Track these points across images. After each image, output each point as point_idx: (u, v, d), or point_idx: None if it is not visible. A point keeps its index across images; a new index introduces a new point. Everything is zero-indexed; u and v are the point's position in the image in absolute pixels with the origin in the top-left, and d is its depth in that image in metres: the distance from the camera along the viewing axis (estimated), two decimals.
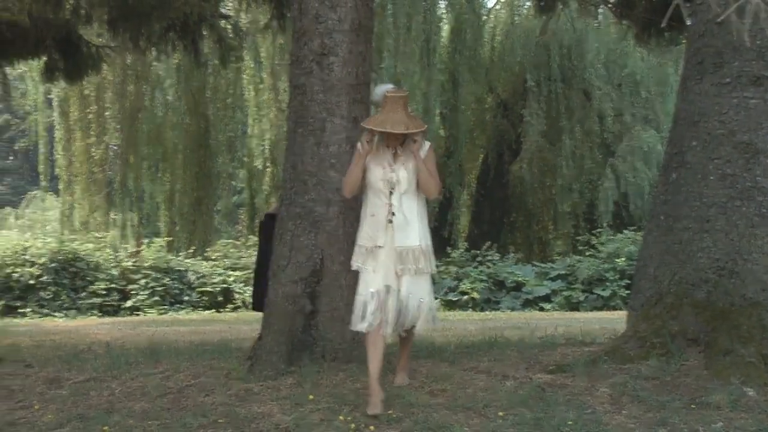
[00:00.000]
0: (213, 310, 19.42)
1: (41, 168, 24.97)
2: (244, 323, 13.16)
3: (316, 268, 6.82)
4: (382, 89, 5.84)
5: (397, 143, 5.74)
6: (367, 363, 5.64)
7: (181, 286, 20.05)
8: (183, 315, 18.17)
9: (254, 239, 22.29)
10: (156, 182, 23.50)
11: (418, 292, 5.69)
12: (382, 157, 5.76)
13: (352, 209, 6.83)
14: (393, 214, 5.66)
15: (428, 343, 8.00)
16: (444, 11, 23.41)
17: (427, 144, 5.86)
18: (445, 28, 23.30)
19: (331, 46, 6.97)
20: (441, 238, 22.18)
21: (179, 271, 20.35)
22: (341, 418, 5.40)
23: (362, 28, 7.13)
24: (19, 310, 18.34)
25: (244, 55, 19.32)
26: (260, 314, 7.39)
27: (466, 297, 18.92)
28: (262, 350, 6.87)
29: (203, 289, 20.11)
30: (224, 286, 20.38)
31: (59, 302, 18.78)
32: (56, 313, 18.29)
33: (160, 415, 5.68)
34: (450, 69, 22.54)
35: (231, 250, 22.83)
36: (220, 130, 22.96)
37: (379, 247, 5.64)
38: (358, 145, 5.84)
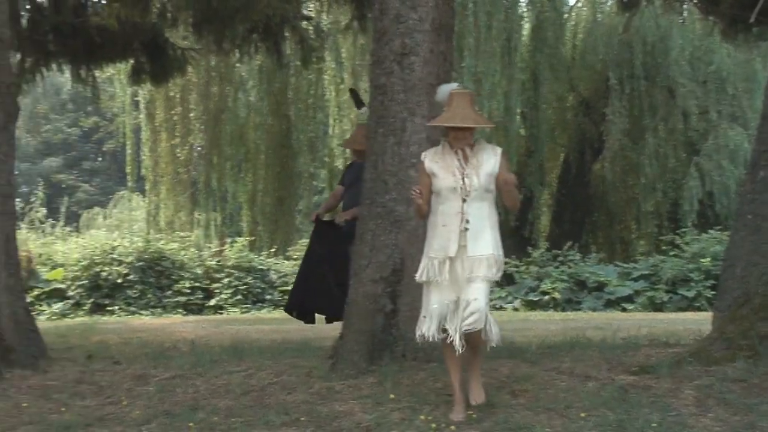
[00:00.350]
0: None
1: (128, 169, 25.45)
2: (324, 322, 13.23)
3: (396, 268, 6.84)
4: (446, 88, 5.69)
5: (464, 144, 5.47)
6: (448, 370, 5.56)
7: (263, 285, 20.26)
8: (265, 314, 18.36)
9: None
10: (239, 182, 23.77)
11: (480, 295, 5.32)
12: (450, 162, 5.47)
13: None
14: (467, 221, 5.37)
15: (509, 343, 7.96)
16: (525, 9, 23.23)
17: (498, 150, 5.61)
18: (526, 26, 23.12)
19: (412, 45, 6.98)
20: (521, 238, 22.03)
21: (261, 270, 20.56)
22: (422, 417, 5.41)
23: (443, 27, 7.13)
24: (108, 308, 18.73)
25: (326, 55, 19.46)
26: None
27: (547, 297, 18.74)
28: (344, 349, 6.91)
29: (285, 288, 20.27)
30: None
31: (145, 300, 19.13)
32: (142, 311, 18.64)
33: (243, 412, 5.76)
34: (531, 67, 22.36)
35: None
36: (302, 131, 23.11)
37: (451, 257, 5.36)
38: (414, 194, 5.46)
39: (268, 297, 20.05)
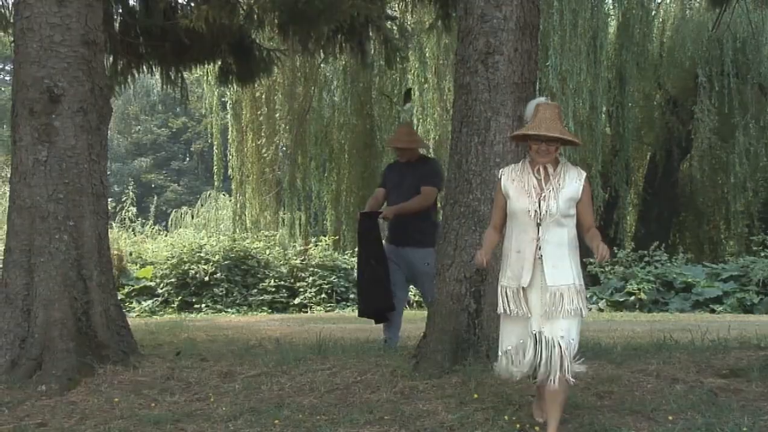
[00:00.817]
0: None
1: (215, 168, 25.87)
2: (408, 321, 13.24)
3: (479, 268, 6.83)
4: (533, 102, 5.26)
5: (547, 160, 4.97)
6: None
7: (346, 284, 20.36)
8: (349, 312, 18.45)
9: None
10: (323, 182, 23.94)
11: (567, 333, 4.87)
12: (527, 181, 5.01)
13: None
14: (542, 249, 4.90)
15: (594, 344, 7.88)
16: (611, 7, 22.97)
17: (583, 175, 5.10)
18: (613, 24, 22.86)
19: (497, 44, 6.96)
20: (607, 238, 21.78)
21: (345, 269, 20.66)
22: (506, 417, 5.40)
23: (528, 26, 7.09)
24: (195, 306, 19.05)
25: (410, 55, 19.48)
26: (425, 313, 7.46)
27: (632, 298, 18.48)
28: (427, 348, 6.93)
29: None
30: None
31: (231, 298, 19.40)
32: (229, 309, 18.91)
33: (327, 410, 5.82)
34: (617, 66, 22.09)
35: None
36: (385, 130, 23.18)
37: (525, 288, 4.92)
38: (478, 259, 5.12)
39: (352, 296, 20.13)
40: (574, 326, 4.93)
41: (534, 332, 4.92)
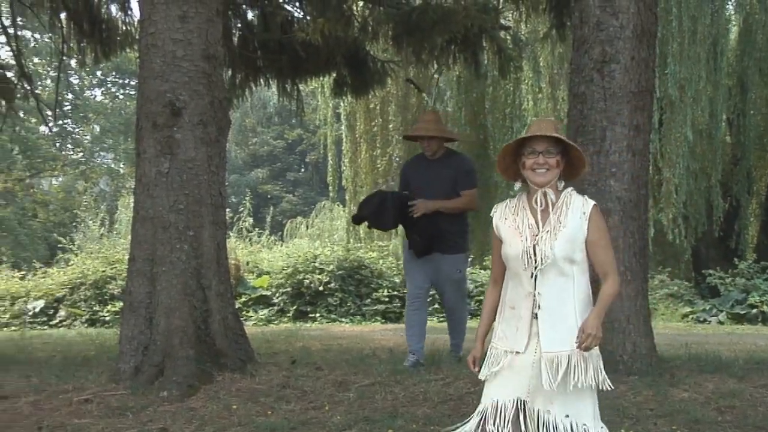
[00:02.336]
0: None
1: (329, 179, 26.14)
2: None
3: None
4: None
5: (546, 180, 3.88)
6: None
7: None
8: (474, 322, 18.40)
9: None
10: None
11: (577, 415, 3.88)
12: (522, 219, 3.94)
13: (633, 218, 6.70)
14: (538, 306, 3.83)
15: (714, 357, 7.69)
16: (732, 12, 22.38)
17: (590, 204, 3.94)
18: (734, 30, 22.26)
19: (613, 53, 6.88)
20: (727, 249, 21.21)
21: None
22: (622, 431, 5.31)
23: (645, 33, 6.99)
24: (310, 315, 19.26)
25: (523, 65, 19.37)
26: None
27: (755, 310, 17.93)
28: None
29: (480, 297, 20.28)
30: None
31: (345, 308, 19.54)
32: (343, 319, 19.06)
33: (441, 420, 5.81)
34: (738, 72, 21.49)
35: None
36: (499, 140, 23.04)
37: (519, 353, 3.86)
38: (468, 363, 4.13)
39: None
40: (587, 406, 3.92)
41: (515, 400, 3.87)
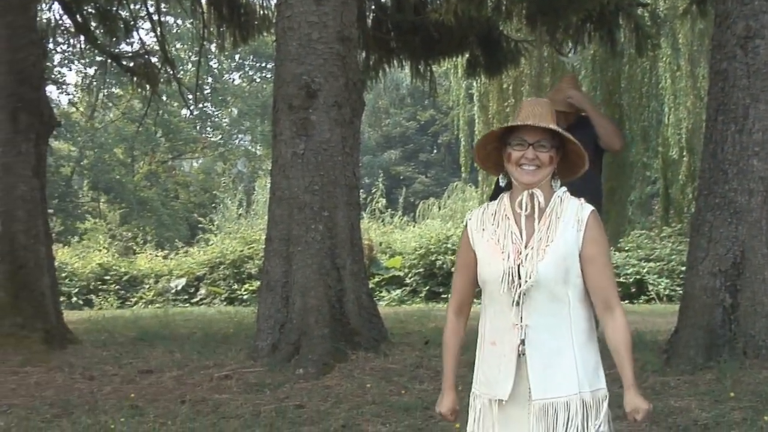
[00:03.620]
0: (626, 301, 19.20)
1: (462, 160, 26.08)
2: (658, 315, 12.89)
3: (736, 261, 6.55)
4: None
5: (534, 180, 2.94)
6: None
7: None
8: None
9: (668, 230, 21.82)
10: None
11: None
12: (503, 229, 3.01)
13: None
14: (526, 340, 2.91)
15: None
16: None
17: (587, 210, 3.01)
18: None
19: (757, 28, 6.64)
20: None
21: None
22: (765, 418, 5.16)
23: None
24: (442, 296, 19.28)
25: (661, 42, 18.89)
26: (675, 307, 7.23)
27: None
28: (679, 343, 6.73)
29: (616, 280, 19.89)
30: (637, 277, 20.05)
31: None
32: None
33: None
34: None
35: (645, 241, 22.41)
36: (635, 120, 22.56)
37: (502, 400, 2.96)
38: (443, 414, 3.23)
39: None
40: None
41: None
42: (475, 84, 23.18)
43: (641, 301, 19.40)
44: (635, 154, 23.05)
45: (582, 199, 3.03)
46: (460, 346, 3.21)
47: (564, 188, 3.02)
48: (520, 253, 2.91)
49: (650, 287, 19.90)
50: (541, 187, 2.94)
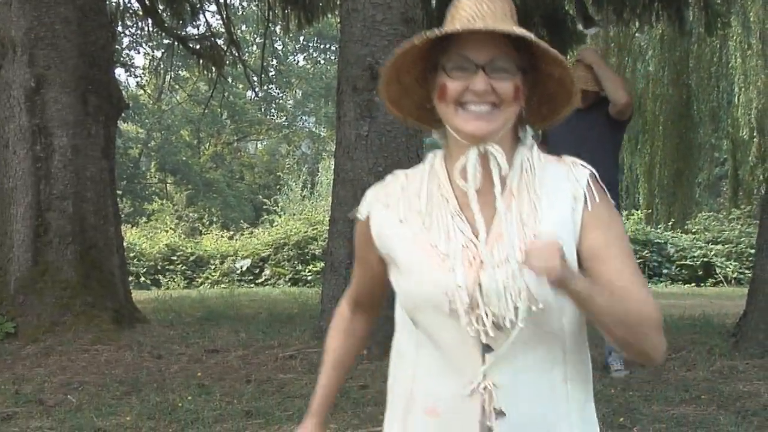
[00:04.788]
0: (693, 284, 18.99)
1: None
2: (726, 298, 12.74)
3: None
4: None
5: (487, 128, 1.65)
6: None
7: (659, 259, 19.82)
8: (661, 288, 17.98)
9: (737, 212, 21.52)
10: (635, 154, 23.43)
11: None
12: (439, 213, 1.74)
13: None
14: (496, 412, 1.66)
15: None
16: None
17: (584, 175, 1.72)
18: None
19: None
20: None
21: (658, 243, 20.11)
22: None
23: None
24: None
25: (731, 20, 18.55)
26: (744, 290, 7.14)
27: None
28: (748, 327, 6.65)
29: (682, 262, 19.70)
30: (704, 260, 19.81)
31: None
32: None
33: (640, 387, 5.74)
34: None
35: (713, 224, 22.12)
36: (703, 101, 22.22)
37: None
38: None
39: (665, 271, 19.59)
40: None
41: None
42: None
43: (708, 284, 19.18)
44: (703, 135, 22.76)
45: (565, 156, 1.80)
46: (351, 354, 2.09)
47: (532, 142, 1.77)
48: (475, 259, 1.67)
49: (718, 270, 19.65)
50: (500, 141, 1.70)
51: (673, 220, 22.04)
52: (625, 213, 22.57)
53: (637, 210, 22.26)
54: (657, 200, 23.25)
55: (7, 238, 8.60)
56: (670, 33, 18.06)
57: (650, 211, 22.72)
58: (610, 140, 6.23)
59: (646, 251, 19.68)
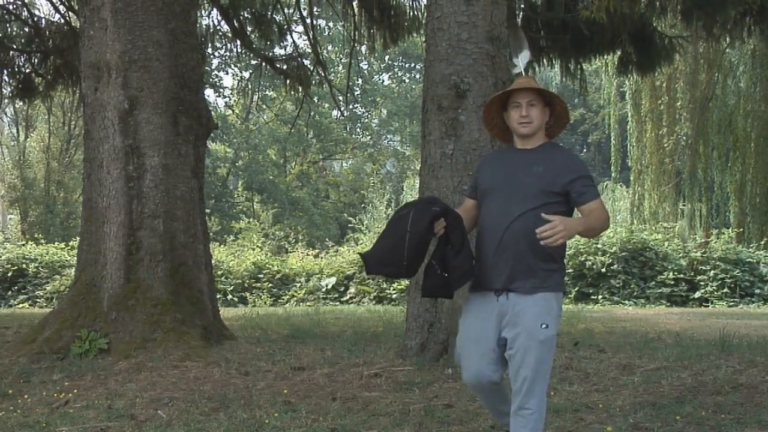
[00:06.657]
0: None
1: (612, 159, 25.73)
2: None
3: None
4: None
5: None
6: None
7: (751, 279, 19.36)
8: (754, 308, 17.55)
9: None
10: (726, 172, 23.00)
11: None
12: None
13: None
14: None
15: None
16: None
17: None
18: None
19: None
20: None
21: (750, 263, 19.65)
22: None
23: None
24: (591, 297, 19.06)
25: None
26: None
27: None
28: None
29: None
30: None
31: (628, 290, 19.17)
32: (625, 301, 18.72)
33: (733, 409, 5.60)
34: None
35: None
36: None
37: None
38: None
39: (757, 291, 19.11)
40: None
41: None
42: (627, 82, 22.83)
43: None
44: None
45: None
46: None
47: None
48: None
49: None
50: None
51: (765, 239, 21.52)
52: (715, 231, 22.15)
53: (728, 229, 21.81)
54: (748, 218, 22.76)
55: (100, 256, 8.80)
56: (762, 48, 17.73)
57: (741, 229, 22.25)
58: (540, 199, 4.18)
59: (737, 271, 19.25)
